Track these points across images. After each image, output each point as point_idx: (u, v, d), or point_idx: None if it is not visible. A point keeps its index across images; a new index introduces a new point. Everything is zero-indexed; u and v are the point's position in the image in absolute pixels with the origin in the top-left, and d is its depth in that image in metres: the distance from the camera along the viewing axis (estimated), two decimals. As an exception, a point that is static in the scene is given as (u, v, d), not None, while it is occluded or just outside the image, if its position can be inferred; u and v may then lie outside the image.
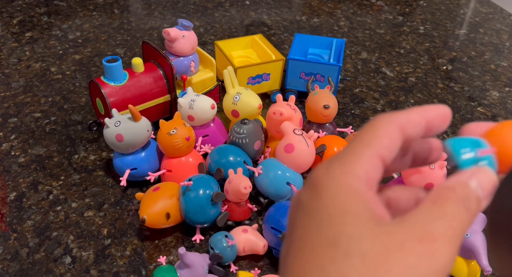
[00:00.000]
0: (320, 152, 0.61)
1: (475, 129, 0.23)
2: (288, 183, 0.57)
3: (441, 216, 0.18)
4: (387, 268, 0.16)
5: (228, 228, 0.56)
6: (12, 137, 0.71)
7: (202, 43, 0.98)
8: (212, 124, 0.67)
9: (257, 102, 0.65)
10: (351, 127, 0.71)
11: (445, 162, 0.54)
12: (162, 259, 0.52)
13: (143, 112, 0.67)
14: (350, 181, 0.18)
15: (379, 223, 0.18)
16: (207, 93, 0.75)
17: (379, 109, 0.82)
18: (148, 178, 0.59)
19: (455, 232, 0.18)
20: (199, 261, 0.49)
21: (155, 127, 0.65)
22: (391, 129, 0.20)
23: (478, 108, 0.83)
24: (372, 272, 0.16)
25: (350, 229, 0.17)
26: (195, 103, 0.63)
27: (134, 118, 0.58)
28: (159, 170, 0.62)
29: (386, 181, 0.66)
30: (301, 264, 0.18)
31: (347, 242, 0.17)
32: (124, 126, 0.58)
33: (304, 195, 0.19)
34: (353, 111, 0.81)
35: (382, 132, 0.20)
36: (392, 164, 0.21)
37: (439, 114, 0.22)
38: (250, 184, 0.55)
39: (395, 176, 0.61)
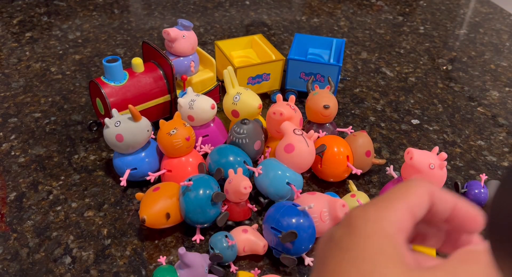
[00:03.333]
0: (320, 152, 0.61)
1: None
2: (288, 183, 0.57)
3: (465, 273, 0.19)
4: None
5: (228, 228, 0.56)
6: (12, 137, 0.71)
7: (202, 43, 0.98)
8: (212, 124, 0.67)
9: (257, 102, 0.65)
10: (351, 127, 0.71)
11: (445, 162, 0.54)
12: (162, 259, 0.52)
13: (143, 112, 0.67)
14: (384, 225, 0.20)
15: (409, 268, 0.19)
16: (207, 93, 0.75)
17: (379, 109, 0.82)
18: (148, 178, 0.59)
19: None
20: (199, 261, 0.49)
21: (155, 127, 0.65)
22: (421, 190, 0.22)
23: (478, 108, 0.83)
24: None
25: (382, 269, 0.19)
26: (195, 103, 0.63)
27: (134, 118, 0.58)
28: (159, 170, 0.62)
29: (385, 181, 0.66)
30: None
31: None
32: (124, 126, 0.58)
33: (339, 232, 0.21)
34: (353, 111, 0.81)
35: (414, 191, 0.22)
36: (430, 238, 0.24)
37: (468, 213, 0.23)
38: (250, 184, 0.54)
39: (395, 175, 0.61)
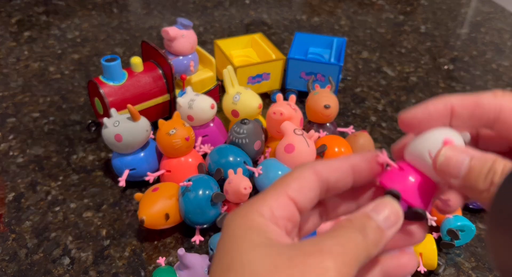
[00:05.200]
0: (320, 152, 0.60)
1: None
2: (288, 184, 0.56)
3: (332, 237, 0.19)
4: None
5: (228, 229, 0.56)
6: (11, 137, 0.71)
7: (201, 43, 0.98)
8: (211, 124, 0.66)
9: (257, 102, 0.64)
10: (352, 127, 0.70)
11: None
12: (162, 260, 0.52)
13: (142, 112, 0.66)
14: (251, 217, 0.20)
15: (276, 246, 0.19)
16: (207, 93, 0.75)
17: (380, 109, 0.81)
18: (147, 178, 0.59)
19: (346, 251, 0.19)
20: (198, 262, 0.48)
21: (154, 127, 0.65)
22: (304, 173, 0.21)
23: (480, 108, 0.83)
24: None
25: (244, 256, 0.19)
26: (195, 103, 0.62)
27: (133, 118, 0.58)
28: (158, 170, 0.61)
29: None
30: None
31: (239, 266, 0.18)
32: (123, 126, 0.58)
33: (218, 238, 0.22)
34: (354, 111, 0.80)
35: (295, 176, 0.21)
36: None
37: (363, 159, 0.23)
38: (250, 185, 0.54)
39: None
